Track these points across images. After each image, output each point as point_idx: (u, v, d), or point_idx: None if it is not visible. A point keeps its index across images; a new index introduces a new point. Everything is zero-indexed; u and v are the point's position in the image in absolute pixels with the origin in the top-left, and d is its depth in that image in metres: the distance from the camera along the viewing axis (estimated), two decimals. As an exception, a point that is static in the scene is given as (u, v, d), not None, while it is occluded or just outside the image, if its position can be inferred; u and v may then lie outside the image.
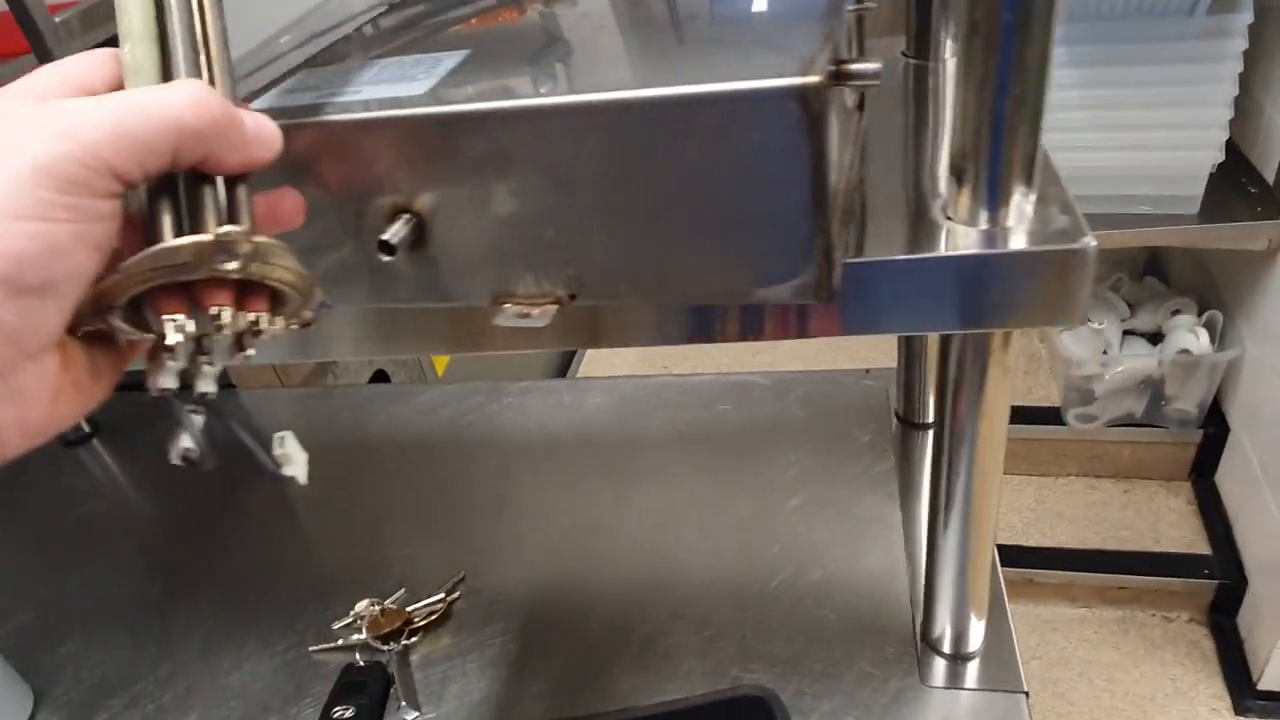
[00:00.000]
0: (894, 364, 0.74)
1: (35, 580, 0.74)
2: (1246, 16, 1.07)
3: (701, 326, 0.40)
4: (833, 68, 0.36)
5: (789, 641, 0.60)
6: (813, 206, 0.33)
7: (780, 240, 0.34)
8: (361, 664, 0.61)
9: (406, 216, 0.36)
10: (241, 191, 0.28)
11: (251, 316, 0.28)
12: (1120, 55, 1.15)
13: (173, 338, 0.26)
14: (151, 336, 0.27)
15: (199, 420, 0.29)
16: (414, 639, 0.63)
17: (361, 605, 0.65)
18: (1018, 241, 0.37)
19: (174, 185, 0.26)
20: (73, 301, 0.24)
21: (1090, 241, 0.37)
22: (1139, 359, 1.40)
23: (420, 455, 0.82)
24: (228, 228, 0.26)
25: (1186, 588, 1.39)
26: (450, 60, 0.38)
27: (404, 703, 0.59)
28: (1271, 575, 1.27)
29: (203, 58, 0.28)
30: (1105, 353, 1.43)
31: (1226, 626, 1.36)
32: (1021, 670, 0.55)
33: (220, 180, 0.27)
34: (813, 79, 0.31)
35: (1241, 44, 1.09)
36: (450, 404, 0.86)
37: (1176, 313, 1.43)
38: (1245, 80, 1.26)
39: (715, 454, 0.76)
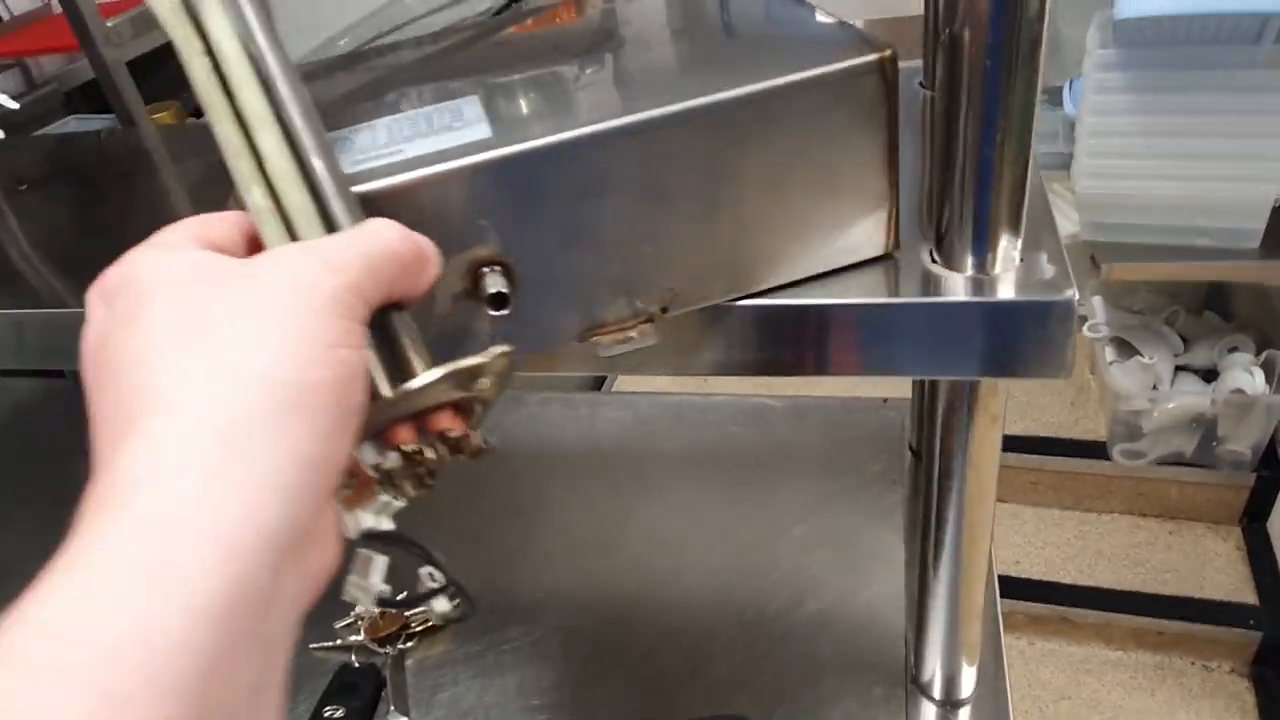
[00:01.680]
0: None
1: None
2: (1316, 46, 1.03)
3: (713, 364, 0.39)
4: None
5: (778, 671, 0.59)
6: (889, 167, 0.36)
7: (861, 205, 0.37)
8: (356, 665, 0.63)
9: (492, 266, 0.33)
10: (407, 315, 0.27)
11: (470, 435, 0.27)
12: (1180, 82, 1.11)
13: (433, 456, 0.26)
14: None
15: (385, 561, 0.28)
16: (410, 644, 0.65)
17: (361, 606, 0.66)
18: (998, 291, 0.37)
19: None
20: (356, 435, 0.24)
21: (1072, 294, 0.36)
22: (1190, 396, 1.35)
23: (435, 460, 0.83)
24: (504, 347, 0.26)
25: (1229, 637, 1.34)
26: (468, 105, 0.35)
27: (393, 707, 0.60)
28: (1321, 630, 1.21)
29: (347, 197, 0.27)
30: (1155, 388, 1.38)
31: (1270, 680, 1.31)
32: (1012, 720, 0.54)
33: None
34: (886, 51, 0.33)
35: (1309, 75, 1.04)
36: (469, 411, 0.88)
37: (1233, 350, 1.37)
38: (1316, 112, 1.20)
39: (724, 476, 0.76)
